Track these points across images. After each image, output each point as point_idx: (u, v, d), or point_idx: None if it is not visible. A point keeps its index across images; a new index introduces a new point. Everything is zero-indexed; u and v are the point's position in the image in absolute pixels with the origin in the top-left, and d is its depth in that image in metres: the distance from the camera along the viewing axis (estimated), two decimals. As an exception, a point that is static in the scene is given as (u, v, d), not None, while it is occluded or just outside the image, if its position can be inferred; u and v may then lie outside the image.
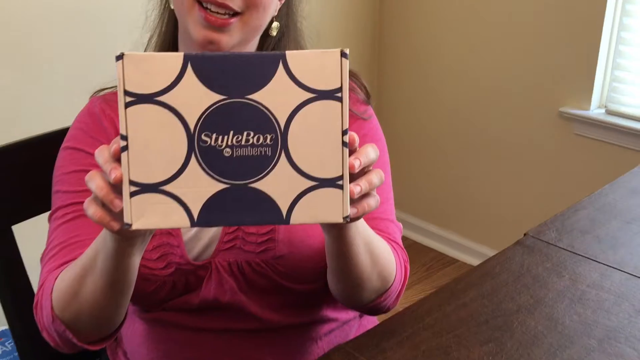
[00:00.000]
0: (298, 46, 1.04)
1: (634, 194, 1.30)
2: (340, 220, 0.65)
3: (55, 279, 0.87)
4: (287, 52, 0.62)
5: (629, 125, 2.11)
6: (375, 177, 0.68)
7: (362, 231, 0.82)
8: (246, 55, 0.63)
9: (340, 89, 0.63)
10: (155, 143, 0.63)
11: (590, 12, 2.11)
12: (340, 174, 0.64)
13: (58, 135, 1.08)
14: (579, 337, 0.90)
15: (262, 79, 0.62)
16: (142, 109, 0.62)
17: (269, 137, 0.63)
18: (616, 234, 1.16)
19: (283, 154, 0.63)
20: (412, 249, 2.77)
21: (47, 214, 1.03)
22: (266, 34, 0.98)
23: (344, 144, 0.63)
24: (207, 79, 0.62)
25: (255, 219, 0.65)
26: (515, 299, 0.99)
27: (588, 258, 1.10)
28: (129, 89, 0.62)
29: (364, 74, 2.73)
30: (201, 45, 0.91)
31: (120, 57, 0.62)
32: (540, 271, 1.06)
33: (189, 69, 0.62)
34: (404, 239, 2.86)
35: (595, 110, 2.20)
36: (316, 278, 0.96)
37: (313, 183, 0.64)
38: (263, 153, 0.63)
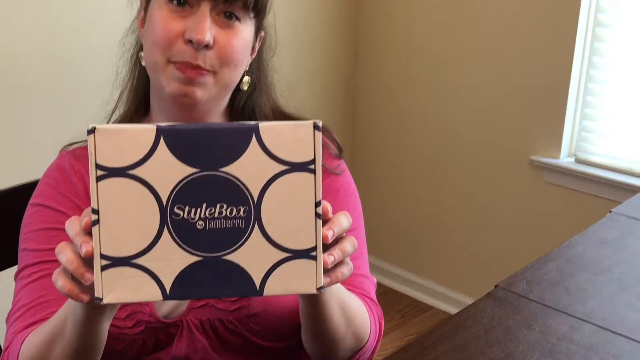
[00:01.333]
0: (270, 99, 1.05)
1: (602, 245, 1.32)
2: (314, 291, 0.65)
3: (22, 342, 0.85)
4: (260, 125, 0.63)
5: (597, 174, 2.15)
6: (349, 245, 0.69)
7: (336, 292, 0.82)
8: (219, 128, 0.63)
9: (313, 161, 0.63)
10: (127, 216, 0.62)
11: (558, 64, 2.17)
12: (314, 245, 0.64)
13: (26, 189, 1.07)
14: (550, 392, 0.91)
15: (236, 152, 0.63)
16: (114, 183, 0.62)
17: (242, 209, 0.63)
18: (585, 286, 1.17)
19: (256, 226, 0.63)
20: (388, 296, 2.76)
21: (12, 269, 1.01)
22: (238, 87, 0.99)
23: (317, 215, 0.64)
24: (180, 152, 0.62)
25: (228, 291, 0.65)
26: (486, 353, 0.99)
27: (558, 310, 1.10)
28: (101, 162, 0.62)
29: (338, 121, 2.77)
30: (176, 98, 0.91)
31: (92, 131, 0.61)
32: (511, 324, 1.07)
33: (162, 142, 0.62)
34: (380, 285, 2.85)
35: (564, 159, 2.25)
36: (290, 335, 0.95)
37: (286, 255, 0.64)
38: (236, 225, 0.63)
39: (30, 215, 0.98)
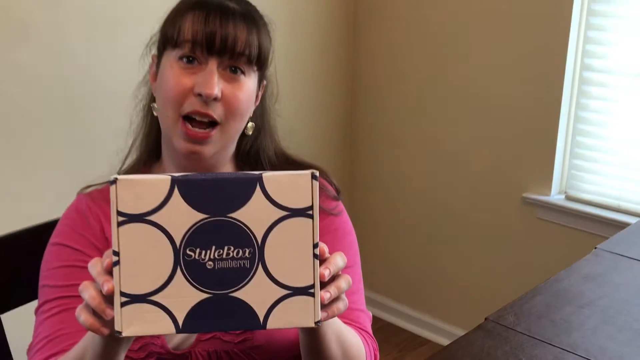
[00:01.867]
0: (273, 142, 1.13)
1: (586, 280, 1.39)
2: (312, 325, 0.72)
3: None
4: (264, 175, 0.70)
5: (586, 210, 2.23)
6: (344, 282, 0.76)
7: (333, 325, 0.89)
8: (227, 178, 0.70)
9: (311, 207, 0.71)
10: (144, 257, 0.69)
11: (548, 107, 2.26)
12: (312, 283, 0.71)
13: (46, 228, 1.15)
14: (534, 418, 0.97)
15: (242, 199, 0.70)
16: (133, 228, 0.69)
17: (247, 250, 0.70)
18: (569, 318, 1.24)
19: (260, 266, 0.70)
20: (386, 330, 2.82)
21: (32, 303, 1.08)
22: (243, 132, 1.07)
23: (315, 256, 0.71)
24: (192, 200, 0.69)
25: (235, 325, 0.71)
26: (475, 382, 1.06)
27: (543, 341, 1.17)
28: (122, 209, 0.69)
29: (336, 163, 2.86)
30: (184, 156, 0.99)
31: (113, 182, 0.69)
32: (499, 354, 1.13)
33: (176, 191, 0.69)
34: (378, 320, 2.91)
35: (555, 196, 2.33)
36: None
37: (287, 292, 0.71)
38: (242, 265, 0.70)
39: (50, 254, 1.05)
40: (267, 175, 0.70)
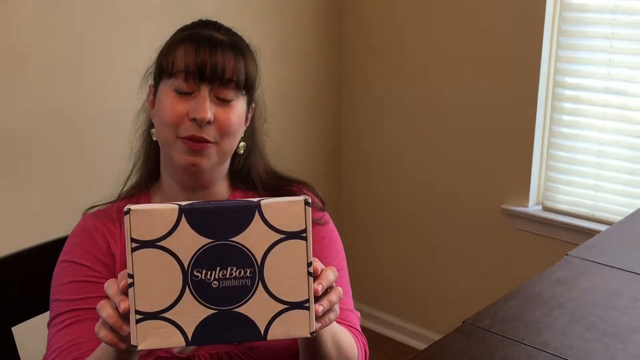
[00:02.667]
0: (262, 161, 1.22)
1: (557, 284, 1.49)
2: (308, 335, 0.81)
3: None
4: (262, 202, 0.79)
5: (562, 220, 2.34)
6: (335, 295, 0.86)
7: (329, 327, 0.97)
8: (229, 206, 0.79)
9: (305, 230, 0.80)
10: (156, 279, 0.78)
11: (524, 122, 2.38)
12: (307, 297, 0.80)
13: (55, 245, 1.24)
14: (506, 409, 1.07)
15: (242, 225, 0.78)
16: (146, 253, 0.77)
17: (248, 270, 0.79)
18: (541, 320, 1.34)
19: (260, 284, 0.79)
20: (374, 340, 2.90)
21: (41, 316, 1.16)
22: (235, 152, 1.17)
23: (309, 273, 0.80)
24: (198, 226, 0.78)
25: (238, 337, 0.80)
26: (453, 378, 1.15)
27: (516, 341, 1.27)
28: (135, 236, 0.77)
29: (324, 177, 2.94)
30: (184, 168, 1.08)
31: (127, 212, 0.77)
32: (475, 354, 1.23)
33: (183, 219, 0.78)
34: (367, 330, 2.98)
35: (533, 207, 2.44)
36: None
37: (285, 306, 0.80)
38: (244, 284, 0.79)
39: (60, 270, 1.13)
40: (265, 203, 0.79)
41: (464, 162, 2.58)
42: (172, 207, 0.78)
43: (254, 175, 1.20)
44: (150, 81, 1.16)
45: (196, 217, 0.78)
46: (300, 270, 0.79)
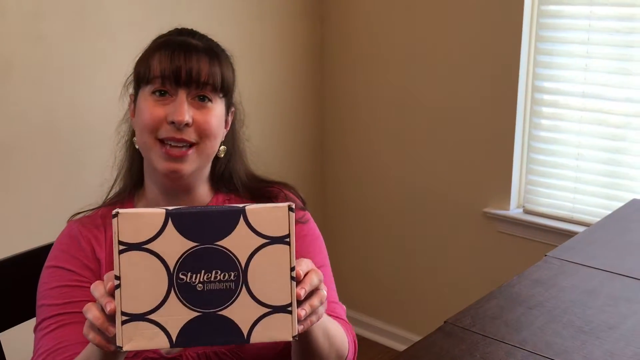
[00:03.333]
0: (243, 165, 1.25)
1: (536, 284, 1.52)
2: (290, 339, 0.82)
3: None
4: (247, 208, 0.80)
5: (542, 222, 2.38)
6: (317, 300, 0.87)
7: (320, 322, 0.99)
8: (214, 211, 0.81)
9: (288, 235, 0.81)
10: (142, 281, 0.79)
11: (504, 127, 2.42)
12: (289, 301, 0.81)
13: (40, 252, 1.25)
14: (486, 405, 1.09)
15: (227, 229, 0.80)
16: (132, 255, 0.79)
17: (232, 274, 0.80)
18: (520, 319, 1.37)
19: (244, 288, 0.80)
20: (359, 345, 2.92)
21: (28, 322, 1.18)
22: (217, 156, 1.19)
23: (292, 278, 0.81)
24: (184, 230, 0.79)
25: (222, 340, 0.81)
26: (435, 377, 1.18)
27: (496, 339, 1.30)
28: (122, 239, 0.79)
29: (307, 179, 2.96)
30: (165, 174, 1.11)
31: (115, 215, 0.79)
32: (456, 352, 1.26)
33: (170, 223, 0.79)
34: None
35: (514, 210, 2.48)
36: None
37: (268, 310, 0.81)
38: (228, 287, 0.80)
39: (46, 276, 1.15)
40: (250, 208, 0.80)
41: (446, 166, 2.62)
42: (159, 212, 0.79)
43: (235, 179, 1.23)
44: (131, 90, 1.18)
45: (182, 221, 0.79)
46: (283, 274, 0.81)
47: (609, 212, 2.03)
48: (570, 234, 2.28)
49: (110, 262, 1.14)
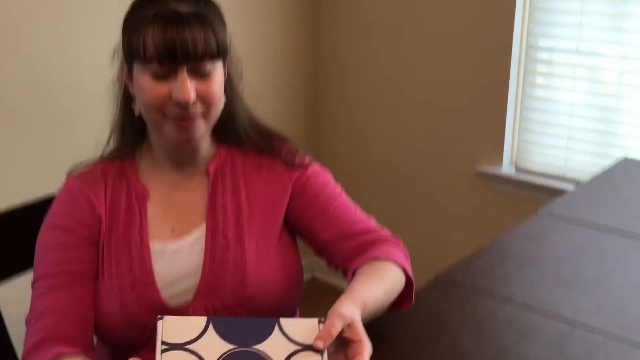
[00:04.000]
0: (244, 110, 1.24)
1: (527, 240, 1.55)
2: None
3: None
4: (281, 319, 0.89)
5: (534, 181, 2.40)
6: None
7: (370, 308, 1.03)
8: (253, 320, 0.91)
9: None
10: None
11: (497, 84, 2.42)
12: None
13: (39, 206, 1.28)
14: (477, 357, 1.12)
15: (263, 335, 0.88)
16: (174, 354, 0.85)
17: None
18: (510, 274, 1.40)
19: None
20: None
21: (25, 275, 1.20)
22: None
23: None
24: (224, 334, 0.87)
25: None
26: (425, 328, 1.20)
27: (486, 294, 1.32)
28: (165, 340, 0.85)
29: (301, 128, 2.96)
30: (176, 143, 1.13)
31: (160, 318, 0.86)
32: (447, 307, 1.28)
33: (211, 327, 0.87)
34: (338, 288, 3.05)
35: (506, 168, 2.49)
36: (282, 309, 1.17)
37: None
38: None
39: (43, 233, 1.17)
40: (284, 320, 0.90)
41: (439, 123, 2.62)
42: (201, 318, 0.88)
43: (238, 125, 1.23)
44: (121, 55, 1.15)
45: (223, 326, 0.88)
46: None
47: (601, 170, 2.04)
48: (562, 192, 2.30)
49: (111, 217, 1.17)
